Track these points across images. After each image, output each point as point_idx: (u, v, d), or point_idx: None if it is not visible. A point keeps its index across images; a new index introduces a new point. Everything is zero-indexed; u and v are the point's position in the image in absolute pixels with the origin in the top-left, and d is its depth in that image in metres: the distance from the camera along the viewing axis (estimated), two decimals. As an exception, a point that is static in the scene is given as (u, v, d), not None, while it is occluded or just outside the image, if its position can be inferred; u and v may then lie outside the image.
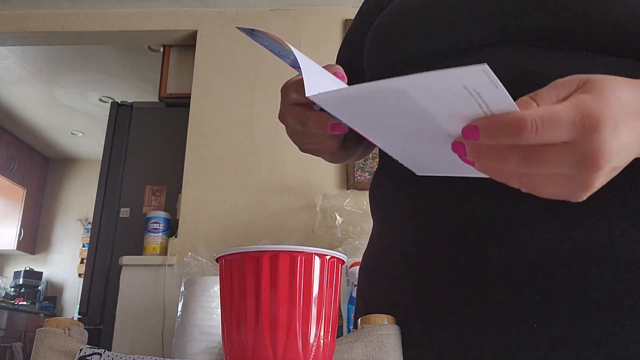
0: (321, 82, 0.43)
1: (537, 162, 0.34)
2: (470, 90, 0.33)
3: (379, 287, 0.58)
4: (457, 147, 0.37)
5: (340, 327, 1.54)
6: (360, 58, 0.67)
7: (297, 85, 0.48)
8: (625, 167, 0.36)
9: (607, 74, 0.46)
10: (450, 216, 0.49)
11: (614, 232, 0.43)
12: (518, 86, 0.49)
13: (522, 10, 0.50)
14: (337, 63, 0.77)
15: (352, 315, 1.06)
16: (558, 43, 0.49)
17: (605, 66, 0.47)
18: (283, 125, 0.53)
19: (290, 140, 0.56)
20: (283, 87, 0.50)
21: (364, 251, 0.65)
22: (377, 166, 0.65)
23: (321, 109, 0.46)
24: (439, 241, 0.50)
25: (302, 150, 0.56)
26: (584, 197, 0.36)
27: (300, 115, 0.48)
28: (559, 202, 0.37)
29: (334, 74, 0.48)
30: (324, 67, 0.49)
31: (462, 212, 0.48)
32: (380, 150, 0.60)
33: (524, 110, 0.34)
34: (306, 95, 0.39)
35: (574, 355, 0.43)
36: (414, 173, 0.47)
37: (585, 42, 0.48)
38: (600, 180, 0.34)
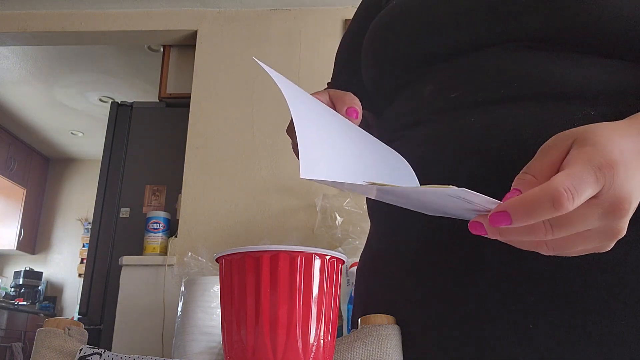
0: (320, 153, 0.41)
1: (566, 225, 0.34)
2: (454, 197, 0.34)
3: (377, 287, 0.58)
4: (476, 227, 0.36)
5: (340, 327, 1.54)
6: (359, 57, 0.66)
7: None
8: None
9: (603, 76, 0.47)
10: (448, 220, 0.49)
11: None
12: (516, 87, 0.49)
13: (522, 12, 0.50)
14: (335, 62, 0.77)
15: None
16: (557, 45, 0.49)
17: (602, 67, 0.47)
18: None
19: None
20: None
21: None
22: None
23: None
24: (437, 243, 0.50)
25: None
26: (612, 246, 0.36)
27: None
28: None
29: (349, 109, 0.47)
30: (338, 95, 0.48)
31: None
32: None
33: (525, 187, 0.35)
34: (301, 177, 0.37)
35: (571, 355, 0.43)
36: None
37: (584, 43, 0.48)
38: (626, 225, 0.35)
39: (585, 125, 0.37)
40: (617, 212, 0.34)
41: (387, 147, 0.53)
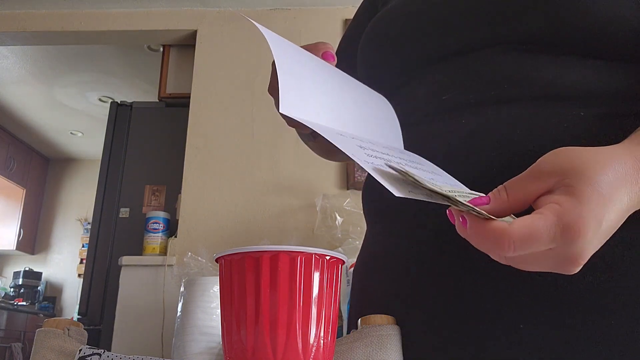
0: (303, 92, 0.40)
1: (519, 262, 0.36)
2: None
3: (374, 287, 0.58)
4: (451, 216, 0.39)
5: (340, 327, 1.54)
6: (355, 59, 0.67)
7: None
8: None
9: (595, 77, 0.47)
10: (441, 220, 0.49)
11: None
12: (507, 88, 0.49)
13: (515, 15, 0.51)
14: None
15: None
16: (549, 46, 0.49)
17: (594, 68, 0.47)
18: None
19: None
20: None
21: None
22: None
23: None
24: (432, 243, 0.50)
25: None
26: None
27: None
28: None
29: (324, 53, 0.49)
30: (311, 45, 0.50)
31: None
32: None
33: (495, 201, 0.36)
34: (279, 111, 0.38)
35: (570, 356, 0.43)
36: None
37: (577, 45, 0.48)
38: (581, 267, 0.36)
39: (575, 160, 0.36)
40: (570, 265, 0.35)
41: (369, 88, 0.54)
